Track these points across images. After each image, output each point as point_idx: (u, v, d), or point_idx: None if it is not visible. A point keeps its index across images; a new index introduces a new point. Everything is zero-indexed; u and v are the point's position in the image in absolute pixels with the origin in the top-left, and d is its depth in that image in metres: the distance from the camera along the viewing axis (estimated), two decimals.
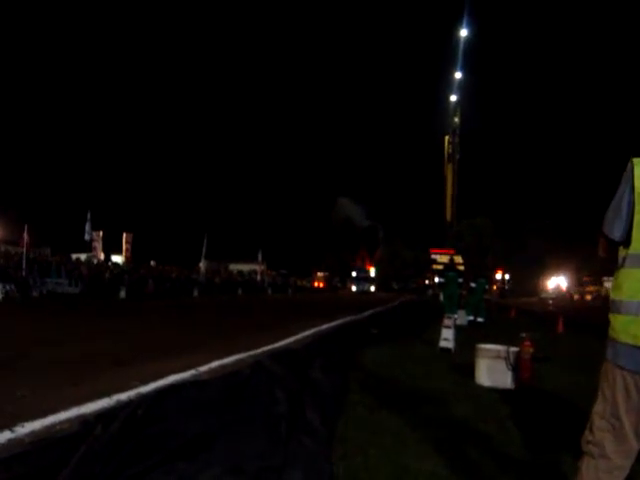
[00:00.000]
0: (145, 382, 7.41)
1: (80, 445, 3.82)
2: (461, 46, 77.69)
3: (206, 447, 4.03)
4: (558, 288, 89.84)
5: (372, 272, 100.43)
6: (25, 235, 35.14)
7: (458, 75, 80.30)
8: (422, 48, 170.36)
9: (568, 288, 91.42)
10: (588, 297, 79.46)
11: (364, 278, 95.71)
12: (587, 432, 3.07)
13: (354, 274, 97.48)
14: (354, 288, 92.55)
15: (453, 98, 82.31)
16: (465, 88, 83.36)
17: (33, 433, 4.98)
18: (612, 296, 3.07)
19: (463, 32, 77.02)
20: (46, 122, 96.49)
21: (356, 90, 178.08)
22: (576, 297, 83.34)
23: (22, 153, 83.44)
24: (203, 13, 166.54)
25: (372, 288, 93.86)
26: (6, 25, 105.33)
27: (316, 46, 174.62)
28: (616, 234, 3.05)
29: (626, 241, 3.02)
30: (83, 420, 4.98)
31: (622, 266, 3.03)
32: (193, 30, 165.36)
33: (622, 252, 3.06)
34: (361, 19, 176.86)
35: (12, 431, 4.99)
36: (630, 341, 2.90)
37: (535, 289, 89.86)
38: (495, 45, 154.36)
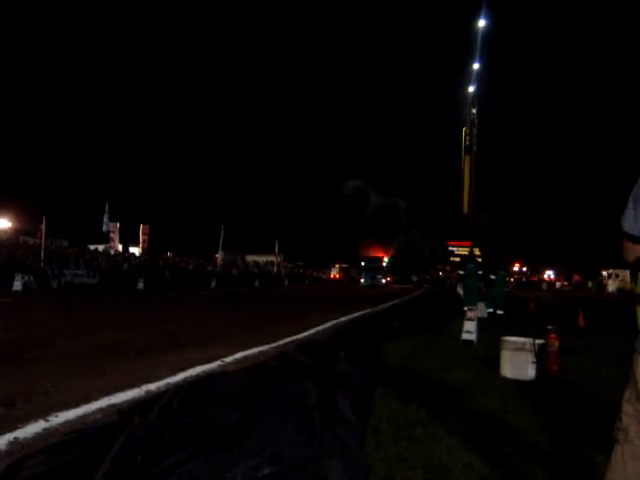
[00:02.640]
0: (172, 372, 7.45)
1: (119, 435, 3.85)
2: (479, 37, 77.12)
3: (242, 437, 4.05)
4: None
5: (384, 261, 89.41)
6: (43, 226, 35.28)
7: (476, 66, 79.72)
8: (440, 40, 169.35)
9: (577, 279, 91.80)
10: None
11: (374, 268, 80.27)
12: (617, 419, 3.09)
13: (363, 264, 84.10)
14: (362, 280, 78.48)
15: (470, 89, 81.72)
16: (482, 80, 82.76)
17: (67, 423, 5.02)
18: (638, 289, 3.09)
19: (481, 23, 76.43)
20: (64, 115, 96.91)
21: (375, 81, 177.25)
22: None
23: (40, 145, 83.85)
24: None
25: (383, 281, 79.45)
26: (39, 21, 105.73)
27: (332, 40, 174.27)
28: (637, 232, 3.03)
29: None
30: (119, 410, 5.02)
31: None
32: (212, 20, 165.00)
33: None
34: (384, 10, 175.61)
35: (47, 421, 5.03)
36: None
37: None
38: (513, 36, 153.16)
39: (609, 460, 3.08)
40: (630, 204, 3.06)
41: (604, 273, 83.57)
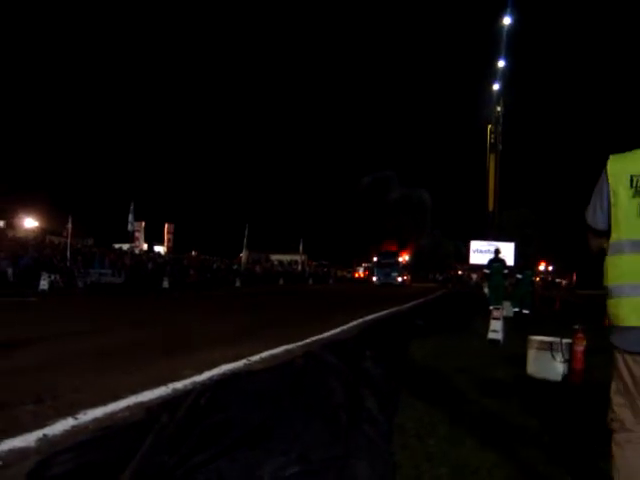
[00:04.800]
0: (198, 371, 7.47)
1: (146, 433, 3.87)
2: (504, 34, 76.40)
3: (269, 436, 4.05)
4: None
5: (401, 258, 78.47)
6: (69, 226, 35.54)
7: (501, 64, 78.97)
8: (466, 36, 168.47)
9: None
10: None
11: (389, 264, 70.89)
12: (610, 411, 3.34)
13: (375, 259, 75.23)
14: (374, 278, 71.10)
15: (496, 87, 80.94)
16: (508, 77, 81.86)
17: (96, 420, 5.06)
18: (604, 283, 3.33)
19: (506, 20, 75.73)
20: (90, 114, 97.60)
21: (399, 79, 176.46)
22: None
23: (67, 146, 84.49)
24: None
25: (399, 279, 70.65)
26: (56, 21, 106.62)
27: (355, 36, 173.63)
28: (600, 225, 3.36)
29: (607, 232, 3.31)
30: (147, 408, 5.05)
31: (606, 255, 3.32)
32: (224, 17, 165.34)
33: (605, 243, 3.34)
34: (407, 6, 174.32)
35: (75, 418, 5.07)
36: (618, 323, 3.23)
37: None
38: (539, 33, 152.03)
39: (611, 450, 3.29)
40: (592, 200, 3.40)
41: None
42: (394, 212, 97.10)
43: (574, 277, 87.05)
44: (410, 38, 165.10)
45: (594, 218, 3.38)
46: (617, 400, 3.29)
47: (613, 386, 3.33)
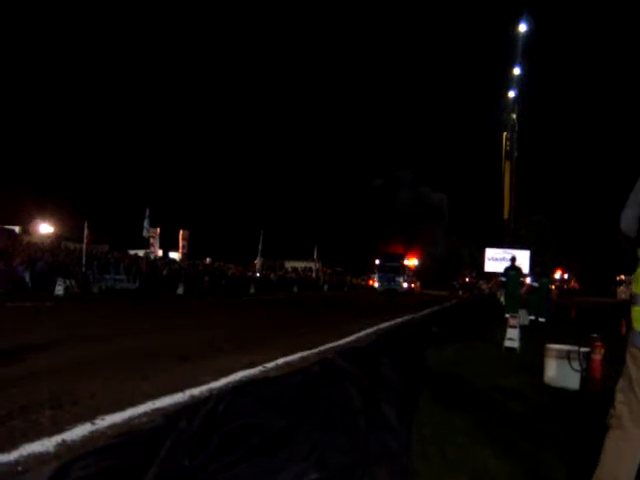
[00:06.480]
0: (214, 377, 7.48)
1: (165, 438, 3.87)
2: (520, 41, 76.06)
3: (287, 442, 4.05)
4: None
5: (408, 261, 72.47)
6: (86, 232, 35.59)
7: (516, 71, 78.64)
8: (483, 44, 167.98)
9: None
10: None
11: (392, 268, 63.23)
12: (611, 407, 3.47)
13: (378, 262, 66.77)
14: (376, 284, 65.24)
15: (511, 94, 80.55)
16: (524, 84, 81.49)
17: (114, 426, 5.08)
18: (632, 290, 3.44)
19: (522, 27, 75.36)
20: (106, 121, 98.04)
21: (417, 86, 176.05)
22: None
23: (82, 152, 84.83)
24: None
25: (405, 285, 63.60)
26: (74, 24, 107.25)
27: (371, 44, 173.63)
28: (633, 233, 3.43)
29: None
30: (165, 414, 5.06)
31: (638, 265, 3.42)
32: (250, 17, 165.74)
33: (639, 252, 3.44)
34: (427, 12, 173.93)
35: (93, 424, 5.09)
36: (637, 327, 3.37)
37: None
38: (555, 40, 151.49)
39: (603, 446, 3.45)
40: (625, 212, 3.47)
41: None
42: (405, 213, 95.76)
43: (572, 283, 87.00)
44: (427, 46, 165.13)
45: (627, 225, 3.42)
46: (619, 397, 3.41)
47: (620, 383, 3.45)
